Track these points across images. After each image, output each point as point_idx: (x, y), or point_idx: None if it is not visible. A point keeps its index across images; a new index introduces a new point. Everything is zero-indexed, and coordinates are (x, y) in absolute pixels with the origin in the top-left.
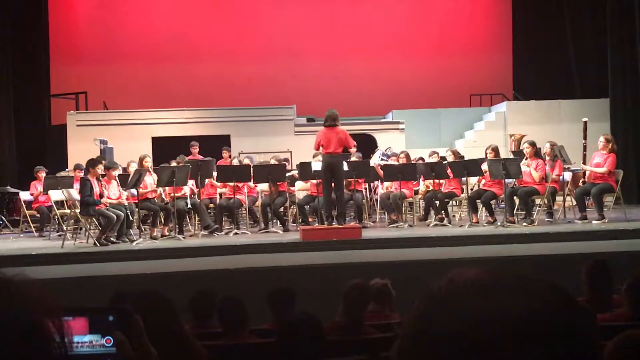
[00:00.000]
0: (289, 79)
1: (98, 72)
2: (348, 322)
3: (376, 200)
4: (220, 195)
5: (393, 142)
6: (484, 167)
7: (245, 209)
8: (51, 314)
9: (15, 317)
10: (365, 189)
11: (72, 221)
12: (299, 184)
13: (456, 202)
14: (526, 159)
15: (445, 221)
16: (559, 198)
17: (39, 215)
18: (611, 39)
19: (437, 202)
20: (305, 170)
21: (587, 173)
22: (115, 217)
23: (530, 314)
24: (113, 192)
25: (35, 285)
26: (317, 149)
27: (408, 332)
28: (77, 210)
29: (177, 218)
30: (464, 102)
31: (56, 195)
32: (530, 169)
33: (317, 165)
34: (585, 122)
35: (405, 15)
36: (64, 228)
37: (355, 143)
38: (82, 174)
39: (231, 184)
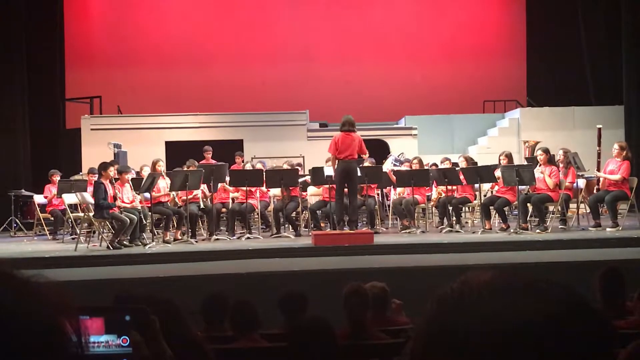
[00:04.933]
0: (302, 84)
1: (112, 76)
2: (352, 327)
3: (389, 205)
4: (233, 199)
5: (406, 147)
6: (497, 173)
7: (258, 214)
8: (68, 313)
9: (33, 317)
10: (378, 194)
11: (86, 224)
12: (311, 189)
13: (469, 208)
14: (540, 165)
15: (457, 227)
16: (572, 205)
17: (52, 218)
18: (626, 45)
19: (450, 208)
20: (317, 175)
21: (601, 180)
22: (128, 220)
23: (545, 318)
24: (126, 195)
25: (53, 286)
26: (334, 152)
27: (420, 334)
28: (91, 214)
29: (190, 222)
30: (478, 108)
31: (70, 198)
32: (544, 176)
33: (329, 171)
34: (599, 129)
35: (418, 21)
36: (78, 231)
37: (367, 152)
38: (96, 178)
39: (244, 188)
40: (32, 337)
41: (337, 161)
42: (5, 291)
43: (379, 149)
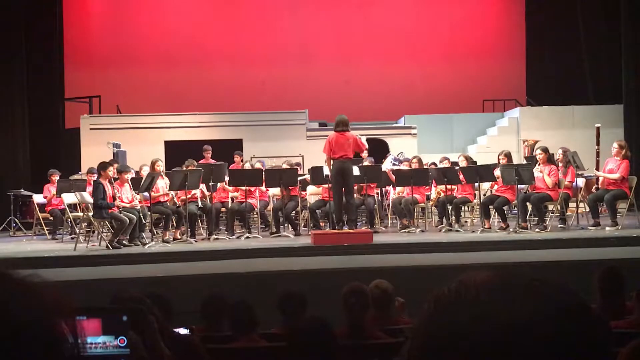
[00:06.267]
0: (301, 84)
1: (112, 76)
2: (351, 326)
3: (388, 205)
4: (232, 199)
5: (405, 147)
6: (497, 172)
7: (257, 213)
8: (64, 314)
9: (28, 317)
10: (377, 193)
11: (85, 224)
12: (311, 189)
13: (468, 207)
14: (539, 164)
15: (456, 226)
16: (571, 204)
17: (52, 218)
18: (625, 44)
19: (450, 208)
20: (317, 174)
21: (601, 179)
22: (127, 220)
23: (542, 318)
24: (126, 195)
25: (49, 286)
26: (328, 153)
27: (417, 335)
28: (90, 214)
29: (189, 222)
30: (477, 107)
31: (69, 198)
32: (543, 175)
33: (328, 170)
34: (597, 128)
35: (417, 20)
36: (77, 231)
37: (367, 146)
38: (95, 178)
39: (243, 188)
40: (28, 338)
41: (332, 161)
42: (0, 291)
43: (379, 148)
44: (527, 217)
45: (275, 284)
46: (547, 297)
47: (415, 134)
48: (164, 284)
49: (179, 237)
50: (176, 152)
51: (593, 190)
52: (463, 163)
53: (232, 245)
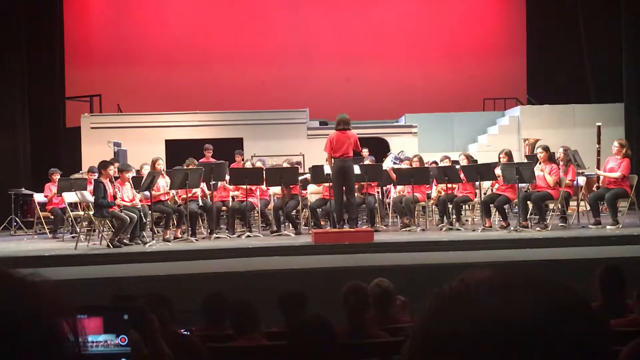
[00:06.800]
0: (301, 83)
1: (112, 75)
2: (351, 325)
3: (389, 203)
4: (233, 198)
5: (406, 146)
6: (498, 171)
7: (258, 212)
8: (65, 313)
9: (29, 316)
10: (378, 192)
11: (86, 223)
12: (312, 187)
13: (469, 206)
14: (540, 163)
15: (457, 225)
16: (572, 203)
17: (52, 217)
18: (625, 42)
19: (450, 206)
20: (317, 173)
21: (601, 178)
22: (128, 219)
23: (542, 316)
24: (126, 194)
25: (49, 284)
26: (329, 151)
27: (418, 333)
28: (91, 212)
29: (190, 220)
30: (478, 106)
31: (70, 197)
32: (544, 174)
33: (329, 169)
34: (598, 127)
35: (418, 19)
36: (78, 230)
37: (360, 149)
38: (96, 177)
39: (244, 187)
40: (29, 337)
41: (333, 160)
42: (1, 290)
43: (379, 147)
44: (528, 216)
45: (275, 282)
46: (547, 296)
47: (416, 132)
48: (165, 283)
49: (180, 236)
50: (177, 151)
51: (594, 189)
52: (464, 162)
53: (233, 244)
